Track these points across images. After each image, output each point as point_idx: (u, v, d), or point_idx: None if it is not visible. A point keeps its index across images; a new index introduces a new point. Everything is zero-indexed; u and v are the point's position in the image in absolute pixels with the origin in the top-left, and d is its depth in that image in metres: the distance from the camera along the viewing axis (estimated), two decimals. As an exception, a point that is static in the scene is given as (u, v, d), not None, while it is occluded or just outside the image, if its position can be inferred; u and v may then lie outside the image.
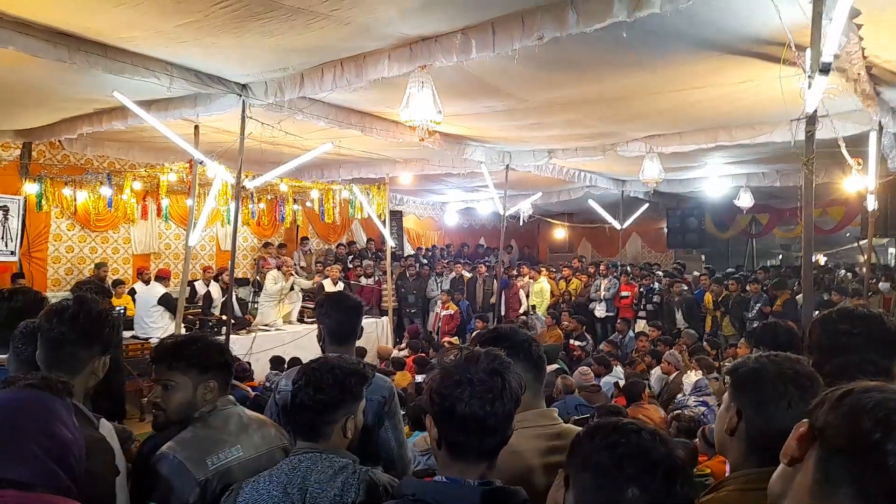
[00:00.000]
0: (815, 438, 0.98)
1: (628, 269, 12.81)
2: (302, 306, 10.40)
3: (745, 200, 11.52)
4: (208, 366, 2.10)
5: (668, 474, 1.12)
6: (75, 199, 9.93)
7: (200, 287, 9.97)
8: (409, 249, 15.59)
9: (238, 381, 6.17)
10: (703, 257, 16.53)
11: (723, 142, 7.64)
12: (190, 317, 8.91)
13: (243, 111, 6.27)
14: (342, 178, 11.01)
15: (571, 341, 10.01)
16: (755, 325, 7.88)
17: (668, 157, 8.76)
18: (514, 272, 13.11)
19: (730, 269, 13.38)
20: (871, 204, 6.54)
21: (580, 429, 1.37)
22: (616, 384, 7.09)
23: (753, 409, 1.45)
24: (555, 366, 7.39)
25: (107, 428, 1.92)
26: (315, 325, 2.80)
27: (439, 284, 12.41)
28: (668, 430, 5.13)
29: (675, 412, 5.42)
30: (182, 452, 1.94)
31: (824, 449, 0.95)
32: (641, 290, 11.58)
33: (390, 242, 11.61)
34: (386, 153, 9.65)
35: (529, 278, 12.74)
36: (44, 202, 9.48)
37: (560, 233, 18.33)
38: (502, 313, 11.76)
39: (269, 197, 11.93)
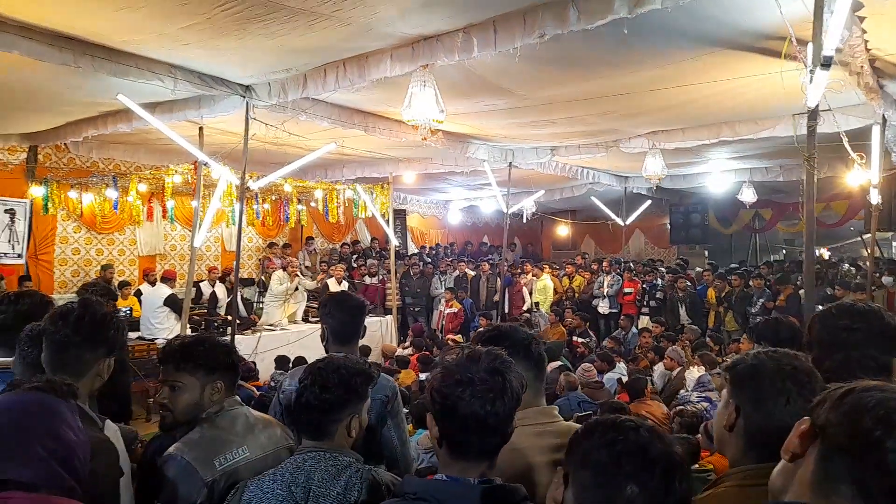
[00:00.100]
0: (817, 436, 1.00)
1: (631, 265, 12.79)
2: (307, 306, 10.42)
3: (749, 196, 11.48)
4: (215, 366, 2.10)
5: (666, 471, 1.13)
6: (81, 202, 9.98)
7: (206, 288, 10.01)
8: (412, 248, 15.61)
9: (243, 381, 6.19)
10: (706, 253, 16.49)
11: (725, 137, 7.62)
12: (195, 317, 8.94)
13: (247, 112, 6.29)
14: (346, 178, 11.04)
15: (575, 338, 10.00)
16: (758, 321, 7.86)
17: (671, 152, 8.75)
18: (518, 270, 13.12)
19: (733, 265, 13.35)
20: (875, 198, 6.51)
21: (579, 426, 1.38)
22: (619, 380, 7.09)
23: (752, 405, 1.45)
24: (558, 362, 7.39)
25: (112, 429, 1.94)
26: (319, 325, 2.81)
27: (443, 283, 12.43)
28: (671, 425, 5.14)
29: (678, 408, 5.41)
30: (190, 453, 1.94)
31: (825, 446, 0.97)
32: (644, 286, 11.57)
33: (394, 241, 11.62)
34: (389, 153, 9.66)
35: (533, 276, 12.74)
36: (50, 205, 9.53)
37: (563, 230, 18.33)
38: (506, 311, 11.76)
39: (273, 197, 11.97)
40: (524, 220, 12.85)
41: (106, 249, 10.76)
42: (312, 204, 11.93)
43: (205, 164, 7.29)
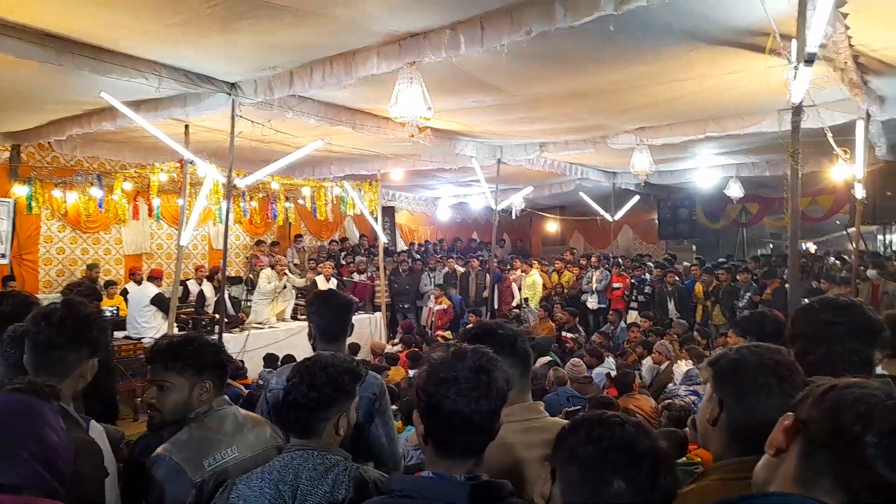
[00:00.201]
0: (799, 431, 1.03)
1: (620, 260, 12.85)
2: (295, 304, 10.40)
3: (735, 190, 11.57)
4: (204, 366, 2.09)
5: (652, 466, 1.15)
6: (65, 201, 9.89)
7: (193, 286, 9.95)
8: (401, 245, 15.60)
9: (231, 380, 6.16)
10: (694, 248, 16.60)
11: (712, 132, 7.67)
12: (183, 316, 8.89)
13: (233, 110, 6.25)
14: (334, 175, 11.00)
15: (564, 333, 10.04)
16: (744, 315, 7.93)
17: (659, 148, 8.79)
18: (507, 266, 13.15)
19: (721, 259, 13.44)
20: (859, 192, 6.59)
21: (566, 422, 1.39)
22: (608, 375, 7.12)
23: (734, 399, 1.47)
24: (547, 358, 7.41)
25: (97, 430, 1.93)
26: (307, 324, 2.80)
27: (432, 279, 12.43)
28: (660, 419, 5.17)
29: (666, 402, 5.45)
30: (178, 454, 1.93)
31: (807, 441, 1.00)
32: (633, 281, 11.62)
33: (383, 238, 11.61)
34: (377, 149, 9.63)
35: (522, 272, 12.77)
36: (34, 204, 9.43)
37: (552, 226, 18.37)
38: (495, 307, 11.78)
39: (260, 195, 11.91)
40: (513, 217, 12.87)
41: (91, 249, 10.66)
42: (300, 201, 11.89)
43: (191, 163, 7.25)
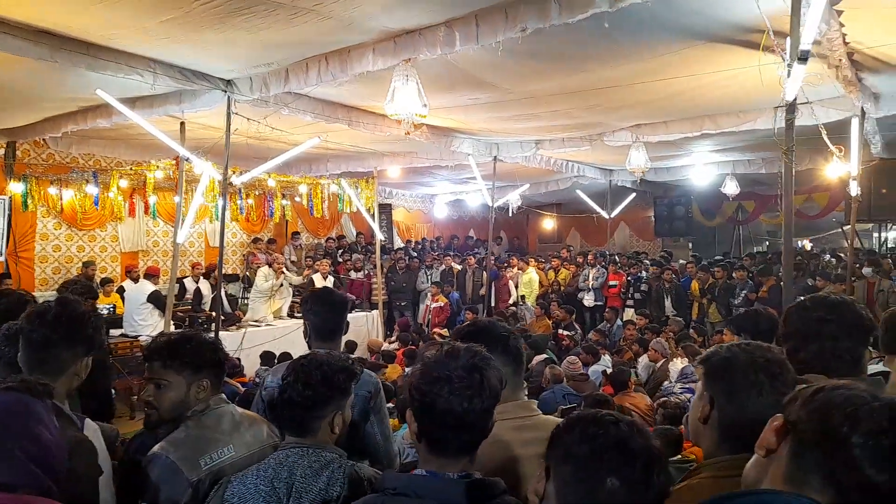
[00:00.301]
0: (789, 431, 1.05)
1: (616, 258, 12.88)
2: (292, 301, 10.39)
3: (731, 188, 11.60)
4: (202, 365, 2.08)
5: (646, 465, 1.16)
6: (61, 198, 9.85)
7: (190, 284, 9.95)
8: (398, 242, 15.60)
9: (228, 378, 6.16)
10: (690, 245, 16.63)
11: (708, 130, 7.68)
12: (179, 314, 8.88)
13: (229, 107, 6.24)
14: (330, 173, 10.99)
15: (560, 331, 10.06)
16: (739, 312, 7.95)
17: (654, 145, 8.80)
18: (504, 263, 13.16)
19: (717, 257, 13.47)
20: (854, 189, 6.61)
21: (558, 420, 1.40)
22: (604, 373, 7.14)
23: (725, 397, 1.47)
24: (544, 355, 7.44)
25: (91, 428, 1.92)
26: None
27: (429, 277, 12.43)
28: (655, 417, 5.19)
29: (662, 399, 5.47)
30: (175, 453, 1.92)
31: (797, 441, 1.02)
32: (629, 278, 11.65)
33: (380, 236, 11.61)
34: (373, 147, 9.63)
35: (518, 269, 12.79)
36: (29, 201, 9.41)
37: (549, 223, 18.40)
38: (492, 304, 11.80)
39: (257, 192, 11.88)
40: (510, 214, 12.89)
41: (87, 246, 10.64)
42: (297, 199, 11.87)
43: (186, 160, 7.23)
